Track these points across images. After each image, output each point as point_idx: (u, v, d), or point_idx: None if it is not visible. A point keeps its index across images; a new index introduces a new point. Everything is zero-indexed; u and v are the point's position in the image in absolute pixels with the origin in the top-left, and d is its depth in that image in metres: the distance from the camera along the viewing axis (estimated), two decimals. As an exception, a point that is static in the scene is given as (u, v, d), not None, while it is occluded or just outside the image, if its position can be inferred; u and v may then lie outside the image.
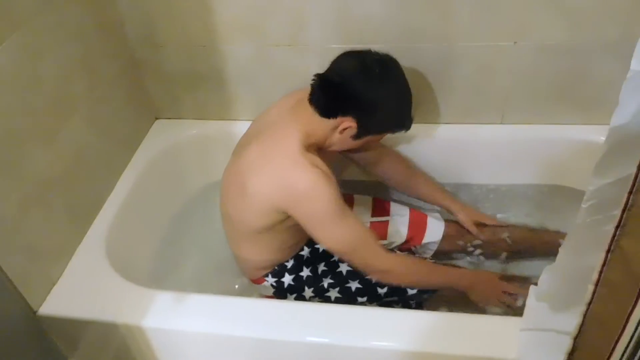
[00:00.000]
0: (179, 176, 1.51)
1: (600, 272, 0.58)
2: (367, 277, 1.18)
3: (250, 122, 1.22)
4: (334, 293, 1.19)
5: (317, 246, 1.23)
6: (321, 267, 1.22)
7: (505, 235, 1.34)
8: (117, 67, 1.32)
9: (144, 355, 1.09)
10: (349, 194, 1.40)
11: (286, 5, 1.24)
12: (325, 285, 1.20)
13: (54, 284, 1.09)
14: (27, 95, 1.01)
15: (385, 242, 1.30)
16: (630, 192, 0.50)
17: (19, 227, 0.99)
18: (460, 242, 1.34)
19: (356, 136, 1.05)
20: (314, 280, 1.20)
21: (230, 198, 1.13)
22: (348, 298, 1.18)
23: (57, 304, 1.06)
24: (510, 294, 1.12)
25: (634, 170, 0.49)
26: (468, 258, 1.36)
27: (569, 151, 1.38)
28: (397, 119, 1.08)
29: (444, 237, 1.31)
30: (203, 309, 1.02)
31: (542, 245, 1.32)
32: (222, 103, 1.46)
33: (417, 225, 1.31)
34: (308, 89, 1.14)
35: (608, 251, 0.56)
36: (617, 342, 0.59)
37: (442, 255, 1.34)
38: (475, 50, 1.26)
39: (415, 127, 1.40)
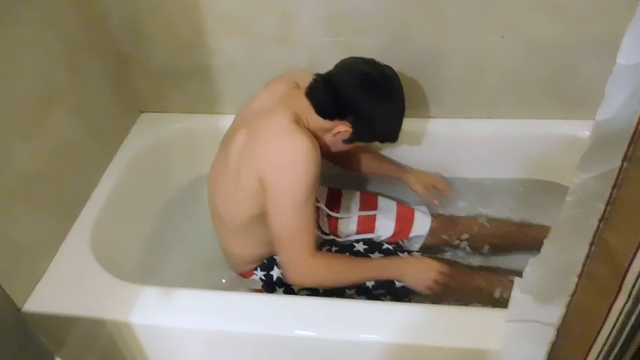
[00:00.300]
0: (165, 170, 1.50)
1: (584, 265, 0.59)
2: None
3: (235, 115, 1.21)
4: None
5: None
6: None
7: (482, 220, 1.37)
8: (101, 61, 1.29)
9: (131, 351, 1.08)
10: (336, 188, 1.40)
11: (274, -1, 1.23)
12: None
13: (38, 280, 1.08)
14: (8, 89, 0.99)
15: (372, 235, 1.30)
16: (614, 186, 0.51)
17: (0, 223, 0.97)
18: (447, 236, 1.35)
19: (347, 140, 1.08)
20: None
21: (219, 192, 1.13)
22: (336, 292, 1.19)
23: (42, 300, 1.05)
24: (445, 278, 1.11)
25: (618, 164, 0.50)
26: (455, 251, 1.38)
27: (554, 146, 1.40)
28: (391, 132, 1.11)
29: (430, 230, 1.32)
30: (191, 304, 1.02)
31: (526, 239, 1.34)
32: (209, 97, 1.45)
33: (405, 219, 1.32)
34: (292, 79, 1.14)
35: (592, 244, 0.57)
36: (599, 332, 0.60)
37: (429, 248, 1.36)
38: (463, 44, 1.27)
39: (403, 121, 1.42)
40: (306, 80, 1.12)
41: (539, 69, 1.29)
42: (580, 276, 0.60)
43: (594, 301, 0.59)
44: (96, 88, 1.28)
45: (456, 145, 1.45)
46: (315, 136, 1.07)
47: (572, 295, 0.62)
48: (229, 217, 1.12)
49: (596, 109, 0.54)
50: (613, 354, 0.60)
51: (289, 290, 1.20)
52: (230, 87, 1.42)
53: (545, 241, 0.71)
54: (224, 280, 1.33)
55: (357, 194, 1.38)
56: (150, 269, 1.32)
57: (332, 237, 1.29)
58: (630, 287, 0.53)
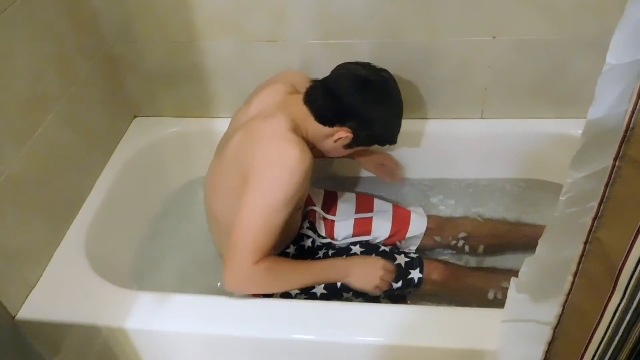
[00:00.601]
0: (159, 175, 1.49)
1: (579, 263, 0.59)
2: None
3: (231, 119, 1.20)
4: (319, 289, 1.19)
5: (302, 243, 1.23)
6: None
7: (477, 220, 1.38)
8: (92, 64, 1.29)
9: (127, 357, 1.07)
10: (332, 190, 1.40)
11: (266, 0, 1.23)
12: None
13: (32, 287, 1.07)
14: (-2, 93, 0.98)
15: (369, 237, 1.30)
16: (606, 185, 0.52)
17: (-8, 229, 0.97)
18: (443, 236, 1.35)
19: (348, 146, 1.09)
20: None
21: (215, 194, 1.13)
22: (334, 294, 1.19)
23: (36, 307, 1.04)
24: (391, 275, 1.10)
25: (610, 162, 0.50)
26: (451, 251, 1.38)
27: (546, 145, 1.41)
28: (391, 135, 1.12)
29: (426, 231, 1.32)
30: (186, 309, 1.01)
31: (521, 238, 1.34)
32: (202, 100, 1.45)
33: (401, 221, 1.32)
34: (288, 82, 1.14)
35: (586, 242, 0.57)
36: (594, 331, 0.60)
37: (425, 249, 1.36)
38: (455, 45, 1.27)
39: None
40: (302, 84, 1.12)
41: (530, 68, 1.30)
42: (575, 275, 0.60)
43: (589, 299, 0.59)
44: (88, 92, 1.27)
45: (449, 146, 1.45)
46: (314, 143, 1.08)
47: (568, 294, 0.62)
48: (224, 220, 1.12)
49: (587, 107, 0.54)
50: (609, 352, 0.60)
51: (285, 294, 1.20)
52: (224, 89, 1.41)
53: (540, 240, 0.71)
54: (219, 284, 1.32)
55: (353, 196, 1.38)
56: (145, 273, 1.31)
57: (328, 240, 1.29)
58: (624, 285, 0.53)
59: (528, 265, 0.77)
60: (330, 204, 1.35)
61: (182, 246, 1.42)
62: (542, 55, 1.27)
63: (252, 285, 0.99)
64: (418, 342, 0.94)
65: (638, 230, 0.49)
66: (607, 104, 0.51)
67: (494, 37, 1.25)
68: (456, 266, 1.29)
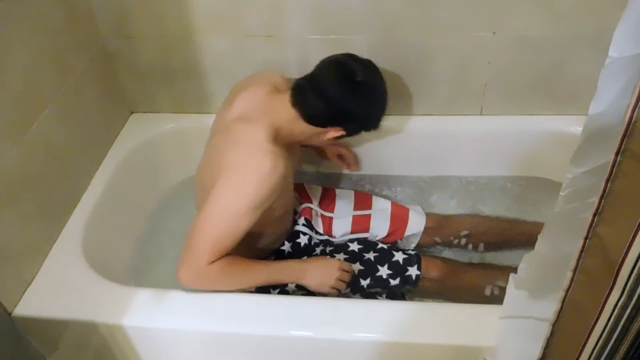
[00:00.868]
0: (156, 171, 1.49)
1: (578, 259, 0.59)
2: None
3: (213, 120, 1.19)
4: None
5: (298, 240, 1.23)
6: (303, 261, 1.21)
7: (476, 217, 1.39)
8: (88, 59, 1.28)
9: (125, 354, 1.07)
10: (330, 188, 1.40)
11: (263, -5, 1.22)
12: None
13: (29, 284, 1.06)
14: (-7, 89, 0.97)
15: (367, 235, 1.30)
16: (607, 180, 0.51)
17: (-12, 227, 0.96)
18: (441, 234, 1.35)
19: (337, 138, 1.09)
20: None
21: (198, 195, 1.12)
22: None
23: (33, 304, 1.03)
24: (347, 275, 1.11)
25: (611, 157, 0.50)
26: (449, 249, 1.38)
27: (545, 142, 1.40)
28: (376, 122, 1.10)
29: (425, 229, 1.32)
30: (184, 306, 1.01)
31: (520, 235, 1.35)
32: (199, 96, 1.44)
33: (399, 219, 1.32)
34: (268, 82, 1.12)
35: (586, 238, 0.57)
36: (593, 327, 0.60)
37: (424, 247, 1.35)
38: (454, 41, 1.26)
39: (393, 119, 1.42)
40: (282, 83, 1.11)
41: (530, 65, 1.29)
42: (574, 271, 0.60)
43: (588, 296, 0.59)
44: (84, 87, 1.26)
45: (448, 143, 1.45)
46: (301, 139, 1.08)
47: (567, 290, 0.62)
48: None
49: (586, 104, 0.54)
50: (608, 348, 0.60)
51: (283, 291, 1.19)
52: (221, 85, 1.40)
53: (539, 236, 0.71)
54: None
55: (352, 194, 1.37)
56: (142, 270, 1.30)
57: (326, 237, 1.28)
58: (624, 281, 0.53)
59: (527, 262, 0.77)
60: (328, 201, 1.34)
61: (180, 242, 1.40)
62: (542, 51, 1.26)
63: (204, 283, 1.00)
64: (416, 339, 0.94)
65: (638, 226, 0.49)
66: (609, 98, 0.51)
67: (494, 33, 1.24)
68: (454, 263, 1.29)
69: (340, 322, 0.97)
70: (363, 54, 1.29)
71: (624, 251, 0.51)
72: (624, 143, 0.48)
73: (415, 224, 1.32)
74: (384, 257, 1.20)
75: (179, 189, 1.51)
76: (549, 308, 0.68)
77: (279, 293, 1.19)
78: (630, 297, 0.54)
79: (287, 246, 1.22)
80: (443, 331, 0.94)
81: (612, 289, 0.55)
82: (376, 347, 0.95)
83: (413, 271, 1.18)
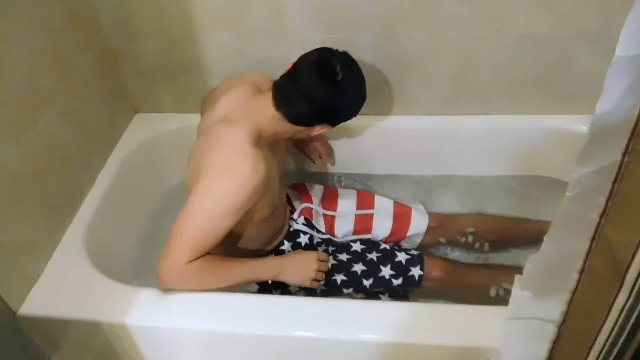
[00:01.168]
0: (160, 171, 1.49)
1: (585, 261, 0.58)
2: (352, 270, 1.18)
3: (199, 122, 1.17)
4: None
5: (298, 240, 1.23)
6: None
7: (479, 216, 1.38)
8: (91, 58, 1.28)
9: (128, 353, 1.07)
10: (333, 187, 1.40)
11: (266, -6, 1.22)
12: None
13: (33, 284, 1.06)
14: (-4, 88, 0.97)
15: (369, 236, 1.30)
16: (614, 180, 0.50)
17: (-8, 226, 0.96)
18: (444, 234, 1.35)
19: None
20: None
21: (185, 196, 1.12)
22: (333, 290, 1.18)
23: (37, 303, 1.04)
24: (325, 265, 1.11)
25: (618, 158, 0.49)
26: (452, 248, 1.37)
27: (549, 141, 1.39)
28: (357, 111, 1.09)
29: (428, 229, 1.32)
30: (186, 305, 1.01)
31: (523, 234, 1.34)
32: (202, 95, 1.43)
33: (402, 218, 1.31)
34: (251, 82, 1.11)
35: (592, 240, 0.56)
36: (600, 329, 0.59)
37: (427, 247, 1.35)
38: (457, 39, 1.26)
39: (397, 119, 1.41)
40: (264, 83, 1.10)
41: (533, 64, 1.28)
42: (581, 272, 0.60)
43: (595, 297, 0.58)
44: (87, 87, 1.27)
45: (451, 142, 1.44)
46: (287, 136, 1.08)
47: (573, 291, 0.62)
48: None
49: (591, 102, 0.53)
50: (615, 351, 0.60)
51: (285, 292, 1.19)
52: (223, 84, 1.40)
53: (545, 237, 0.70)
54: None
55: (354, 193, 1.37)
56: (146, 269, 1.30)
57: (328, 236, 1.28)
58: (631, 283, 0.52)
59: (532, 262, 0.76)
60: (330, 200, 1.34)
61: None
62: (545, 50, 1.25)
63: (182, 282, 0.99)
64: (420, 340, 0.93)
65: (646, 227, 0.48)
66: (616, 97, 0.50)
67: (497, 31, 1.23)
68: (456, 263, 1.29)
69: (343, 322, 0.97)
70: (365, 52, 1.29)
71: (632, 253, 0.51)
72: (631, 143, 0.47)
73: (418, 223, 1.32)
74: (387, 257, 1.19)
75: (182, 188, 1.50)
76: (554, 309, 0.67)
77: (281, 293, 1.19)
78: (637, 299, 0.53)
79: (287, 246, 1.22)
80: (446, 332, 0.93)
81: (619, 290, 0.54)
82: (379, 348, 0.95)
83: (416, 271, 1.18)
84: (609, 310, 0.56)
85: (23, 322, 1.02)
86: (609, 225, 0.54)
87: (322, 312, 0.98)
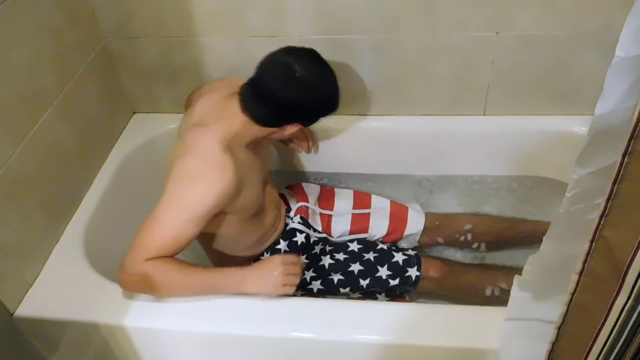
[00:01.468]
0: (158, 172, 1.47)
1: (584, 262, 0.58)
2: (349, 270, 1.18)
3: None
4: (316, 285, 1.19)
5: (295, 239, 1.23)
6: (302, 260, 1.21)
7: (476, 217, 1.38)
8: (90, 60, 1.28)
9: (126, 355, 1.07)
10: (329, 187, 1.40)
11: (265, -5, 1.22)
12: (308, 278, 1.19)
13: (30, 285, 1.06)
14: (-5, 89, 0.97)
15: (366, 235, 1.30)
16: (614, 182, 0.50)
17: (-11, 226, 0.96)
18: (441, 234, 1.35)
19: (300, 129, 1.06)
20: None
21: None
22: (330, 290, 1.18)
23: (35, 305, 1.03)
24: (295, 267, 1.01)
25: (617, 158, 0.49)
26: (449, 249, 1.37)
27: (549, 142, 1.39)
28: (331, 106, 1.07)
29: (424, 229, 1.32)
30: (185, 307, 1.00)
31: (521, 234, 1.34)
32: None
33: (398, 218, 1.32)
34: (226, 86, 1.11)
35: (592, 241, 0.56)
36: (599, 331, 0.59)
37: (423, 247, 1.35)
38: (457, 41, 1.26)
39: (397, 119, 1.41)
40: (239, 85, 1.08)
41: (533, 65, 1.28)
42: (580, 274, 0.59)
43: (594, 299, 0.58)
44: (86, 88, 1.26)
45: (451, 143, 1.44)
46: (261, 138, 1.06)
47: (573, 293, 0.61)
48: None
49: (591, 103, 0.53)
50: (614, 352, 0.59)
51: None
52: (223, 85, 1.40)
53: (544, 238, 0.70)
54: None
55: (351, 193, 1.37)
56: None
57: (324, 235, 1.28)
58: (631, 284, 0.52)
59: (532, 263, 0.76)
60: (327, 200, 1.34)
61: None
62: (545, 51, 1.25)
63: (139, 284, 0.96)
64: (420, 341, 0.93)
65: (646, 228, 0.48)
66: (616, 98, 0.50)
67: (497, 33, 1.23)
68: (454, 263, 1.29)
69: (343, 323, 0.96)
70: (365, 53, 1.29)
71: (631, 254, 0.51)
72: (631, 144, 0.47)
73: (415, 223, 1.32)
74: (384, 257, 1.19)
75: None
76: (554, 310, 0.67)
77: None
78: (637, 300, 0.53)
79: (282, 245, 1.22)
80: (446, 333, 0.93)
81: (618, 292, 0.54)
82: (379, 349, 0.95)
83: (413, 272, 1.18)
84: (609, 312, 0.56)
85: (20, 324, 1.02)
86: (608, 226, 0.54)
87: (322, 313, 0.98)
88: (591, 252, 0.57)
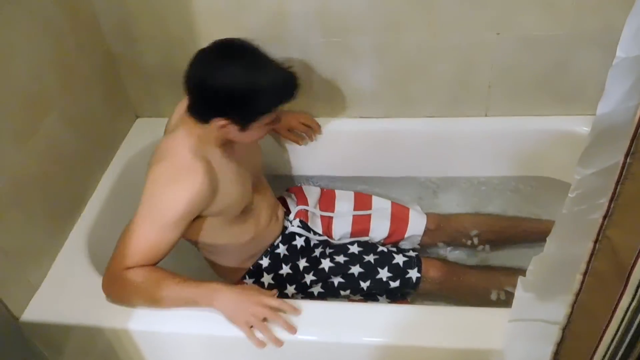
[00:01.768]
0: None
1: (588, 262, 0.58)
2: (349, 272, 1.18)
3: None
4: (316, 289, 1.19)
5: (294, 243, 1.23)
6: (302, 264, 1.21)
7: (477, 217, 1.38)
8: (92, 63, 1.28)
9: (131, 358, 1.07)
10: (330, 189, 1.39)
11: (266, -2, 1.22)
12: (308, 282, 1.19)
13: (35, 289, 1.06)
14: (-2, 92, 0.97)
15: (367, 238, 1.30)
16: (617, 182, 0.50)
17: (-5, 231, 0.96)
18: (442, 234, 1.35)
19: (242, 128, 0.97)
20: (295, 277, 1.20)
21: None
22: (331, 293, 1.18)
23: (40, 309, 1.04)
24: (270, 312, 0.95)
25: (620, 158, 0.49)
26: (451, 249, 1.37)
27: (551, 142, 1.39)
28: (276, 92, 0.97)
29: (426, 230, 1.31)
30: (189, 310, 1.01)
31: (523, 233, 1.34)
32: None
33: (399, 219, 1.31)
34: None
35: (595, 241, 0.56)
36: (604, 332, 0.59)
37: (425, 248, 1.35)
38: (458, 42, 1.26)
39: (398, 121, 1.41)
40: None
41: (534, 65, 1.28)
42: (584, 274, 0.59)
43: (599, 299, 0.58)
44: (89, 91, 1.27)
45: (453, 144, 1.44)
46: (224, 139, 1.01)
47: (577, 293, 0.61)
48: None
49: (592, 103, 0.53)
50: (620, 353, 0.59)
51: (282, 295, 1.19)
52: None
53: (547, 238, 0.70)
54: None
55: (351, 194, 1.37)
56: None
57: (325, 237, 1.28)
58: (635, 285, 0.52)
59: (535, 264, 0.76)
60: (328, 202, 1.34)
61: (185, 247, 1.41)
62: (546, 51, 1.25)
63: (117, 290, 0.98)
64: (422, 343, 0.93)
65: (649, 228, 0.48)
66: (617, 98, 0.50)
67: (498, 34, 1.23)
68: (455, 264, 1.28)
69: (344, 325, 0.96)
70: (366, 55, 1.29)
71: (635, 254, 0.51)
72: (633, 145, 0.47)
73: (416, 225, 1.31)
74: (384, 259, 1.19)
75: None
76: (558, 311, 0.67)
77: (278, 297, 1.18)
78: (641, 301, 0.53)
79: (282, 249, 1.22)
80: (448, 334, 0.93)
81: (623, 292, 0.54)
82: (380, 351, 0.94)
83: (413, 274, 1.18)
84: (614, 312, 0.56)
85: (26, 328, 1.02)
86: (612, 226, 0.53)
87: (323, 315, 0.98)
88: (595, 252, 0.57)
